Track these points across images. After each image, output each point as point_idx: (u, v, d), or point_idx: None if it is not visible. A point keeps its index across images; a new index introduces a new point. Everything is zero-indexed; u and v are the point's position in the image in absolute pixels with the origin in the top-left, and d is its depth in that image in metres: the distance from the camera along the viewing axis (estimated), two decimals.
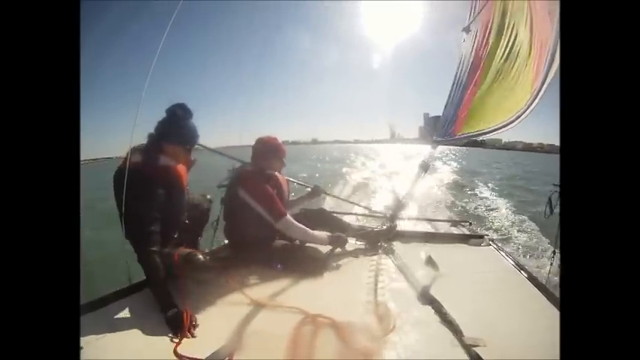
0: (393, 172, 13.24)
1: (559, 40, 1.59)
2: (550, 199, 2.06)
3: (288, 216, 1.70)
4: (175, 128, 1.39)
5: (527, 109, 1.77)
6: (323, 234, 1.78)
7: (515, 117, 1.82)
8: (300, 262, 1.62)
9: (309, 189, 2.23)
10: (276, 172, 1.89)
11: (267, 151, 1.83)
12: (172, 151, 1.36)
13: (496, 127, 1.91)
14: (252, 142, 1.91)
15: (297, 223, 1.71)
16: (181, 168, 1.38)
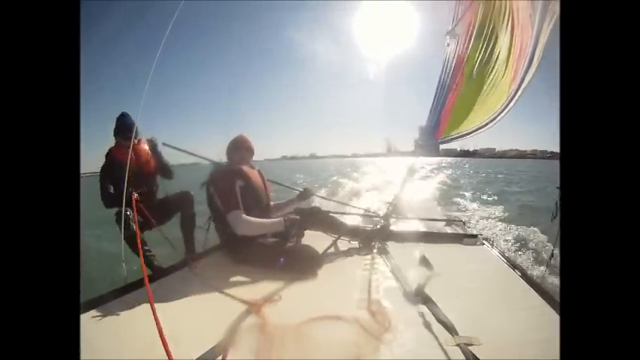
0: (388, 180, 13.03)
1: (541, 44, 1.63)
2: (557, 203, 2.01)
3: (240, 212, 1.68)
4: (116, 126, 2.24)
5: (503, 111, 1.81)
6: (279, 219, 1.76)
7: (490, 119, 1.87)
8: (294, 262, 1.62)
9: (299, 190, 2.23)
10: (245, 167, 1.91)
11: (229, 146, 1.99)
12: (117, 142, 2.25)
13: (473, 130, 1.95)
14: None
15: (251, 219, 1.69)
16: (118, 150, 2.16)
